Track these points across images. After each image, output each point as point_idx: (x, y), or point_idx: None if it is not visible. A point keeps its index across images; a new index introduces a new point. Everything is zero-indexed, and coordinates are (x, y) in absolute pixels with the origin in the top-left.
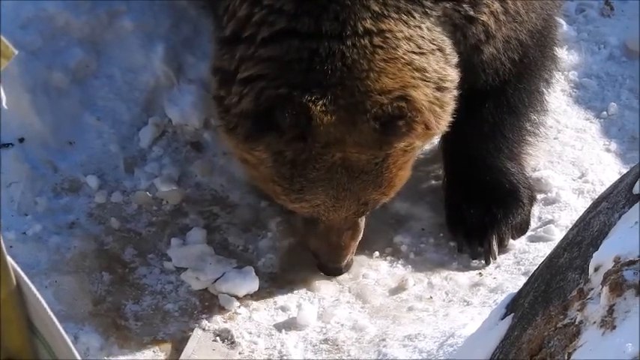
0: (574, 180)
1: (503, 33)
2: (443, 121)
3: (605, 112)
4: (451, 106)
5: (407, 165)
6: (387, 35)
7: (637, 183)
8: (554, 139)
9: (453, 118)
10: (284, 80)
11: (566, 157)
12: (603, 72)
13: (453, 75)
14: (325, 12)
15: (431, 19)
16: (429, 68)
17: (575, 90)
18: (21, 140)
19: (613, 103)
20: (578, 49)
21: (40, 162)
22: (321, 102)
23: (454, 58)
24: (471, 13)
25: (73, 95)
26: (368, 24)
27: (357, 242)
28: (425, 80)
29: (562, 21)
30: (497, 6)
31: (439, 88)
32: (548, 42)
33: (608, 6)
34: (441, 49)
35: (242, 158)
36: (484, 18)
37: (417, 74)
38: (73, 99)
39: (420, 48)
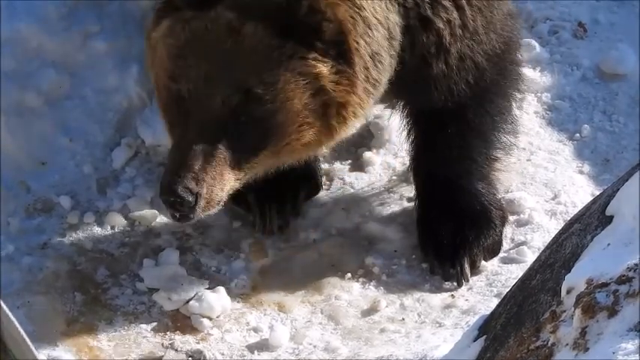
0: (547, 202)
1: (458, 49)
2: (359, 95)
3: (578, 134)
4: (380, 83)
5: (295, 101)
6: None
7: (609, 205)
8: (527, 160)
9: (421, 141)
10: None
11: (539, 178)
12: (576, 94)
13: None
14: None
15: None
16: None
17: (548, 112)
18: None
19: (586, 125)
20: (551, 71)
21: (13, 183)
22: None
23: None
24: (429, 13)
25: (46, 116)
26: None
27: (209, 178)
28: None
29: (535, 42)
30: (455, 16)
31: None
32: (507, 64)
33: (582, 28)
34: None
35: (149, 55)
36: (440, 25)
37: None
38: (46, 120)
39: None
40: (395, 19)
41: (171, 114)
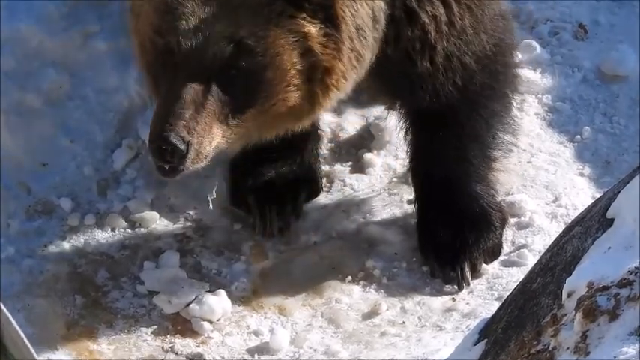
0: (547, 204)
1: (444, 47)
2: (344, 62)
3: (578, 136)
4: (364, 59)
5: (284, 59)
6: None
7: (610, 208)
8: (528, 163)
9: (418, 143)
10: None
11: (539, 181)
12: (577, 95)
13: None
14: None
15: None
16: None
17: (548, 114)
18: None
19: (587, 127)
20: (551, 73)
21: (14, 184)
22: None
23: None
24: (414, 5)
25: (46, 117)
26: None
27: (200, 129)
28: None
29: (535, 44)
30: (441, 12)
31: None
32: (498, 67)
33: (582, 29)
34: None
35: (132, 21)
36: (425, 19)
37: None
38: (46, 121)
39: None
40: (380, 4)
41: (156, 69)
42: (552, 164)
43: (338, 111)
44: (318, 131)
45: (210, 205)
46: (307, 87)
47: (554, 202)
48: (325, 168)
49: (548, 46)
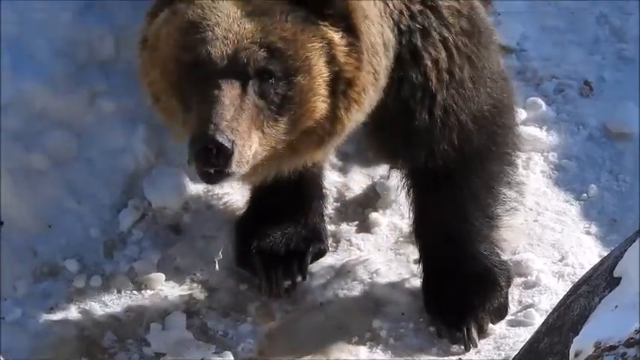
0: (554, 263)
1: (443, 97)
2: (365, 70)
3: (585, 194)
4: (380, 78)
5: (312, 68)
6: None
7: (617, 266)
8: (534, 221)
9: (419, 203)
10: None
11: (546, 239)
12: (583, 153)
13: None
14: None
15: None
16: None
17: (554, 172)
18: (0, 224)
19: (593, 185)
20: (557, 130)
21: (20, 246)
22: None
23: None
24: (419, 43)
25: (52, 178)
26: None
27: (242, 130)
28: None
29: (541, 101)
30: (442, 56)
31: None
32: (496, 128)
33: (587, 86)
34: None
35: (146, 56)
36: (428, 62)
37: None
38: (52, 182)
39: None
40: (388, 34)
41: (183, 86)
42: (559, 222)
43: (344, 170)
44: (323, 190)
45: (217, 266)
46: (331, 100)
47: (560, 260)
48: (331, 227)
49: (553, 103)
